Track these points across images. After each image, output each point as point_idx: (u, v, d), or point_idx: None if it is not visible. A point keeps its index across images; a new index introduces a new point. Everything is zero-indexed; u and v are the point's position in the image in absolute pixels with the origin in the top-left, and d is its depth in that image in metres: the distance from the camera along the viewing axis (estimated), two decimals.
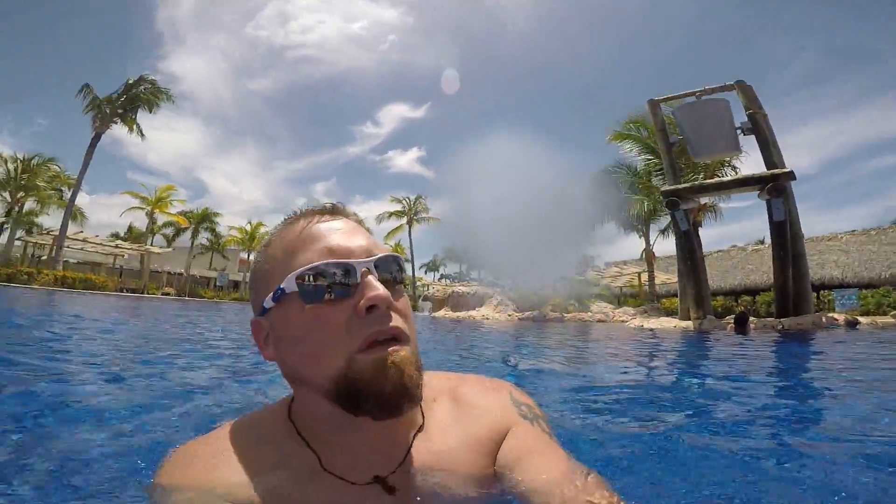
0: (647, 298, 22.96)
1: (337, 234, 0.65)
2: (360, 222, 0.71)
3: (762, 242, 24.39)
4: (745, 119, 11.91)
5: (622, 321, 17.94)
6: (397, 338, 0.61)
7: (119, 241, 34.65)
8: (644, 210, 21.77)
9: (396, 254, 0.66)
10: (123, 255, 33.36)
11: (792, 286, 10.74)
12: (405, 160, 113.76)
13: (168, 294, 31.90)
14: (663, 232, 23.04)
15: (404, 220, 42.91)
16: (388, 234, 44.00)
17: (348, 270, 0.61)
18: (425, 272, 57.42)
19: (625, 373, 3.87)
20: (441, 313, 24.64)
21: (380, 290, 0.60)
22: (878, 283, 16.43)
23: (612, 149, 21.08)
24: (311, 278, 0.61)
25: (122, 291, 27.86)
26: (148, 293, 29.61)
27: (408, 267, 47.93)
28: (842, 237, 19.83)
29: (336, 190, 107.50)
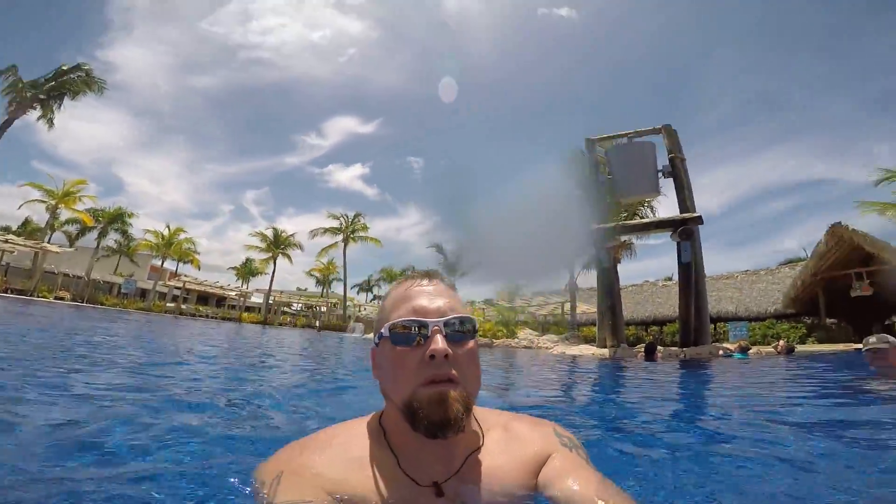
0: (568, 326, 24.17)
1: (424, 296, 0.88)
2: (450, 286, 0.93)
3: (670, 279, 26.73)
4: (667, 162, 12.96)
5: (546, 348, 18.73)
6: (451, 380, 0.80)
7: (10, 236, 30.42)
8: None
9: (467, 315, 0.86)
10: (13, 252, 29.37)
11: (694, 319, 11.92)
12: (346, 176, 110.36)
13: (62, 298, 28.40)
14: (585, 266, 24.60)
15: (340, 237, 40.04)
16: (322, 250, 41.62)
17: (424, 326, 0.83)
18: (357, 292, 54.97)
19: (547, 395, 4.15)
20: (372, 335, 24.05)
21: (439, 345, 0.80)
22: (765, 316, 18.85)
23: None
24: (399, 329, 0.84)
25: (7, 292, 24.56)
26: (38, 296, 26.33)
27: (339, 287, 45.41)
28: (737, 276, 22.38)
29: (268, 199, 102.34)
